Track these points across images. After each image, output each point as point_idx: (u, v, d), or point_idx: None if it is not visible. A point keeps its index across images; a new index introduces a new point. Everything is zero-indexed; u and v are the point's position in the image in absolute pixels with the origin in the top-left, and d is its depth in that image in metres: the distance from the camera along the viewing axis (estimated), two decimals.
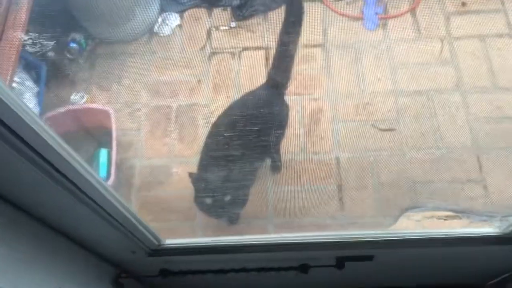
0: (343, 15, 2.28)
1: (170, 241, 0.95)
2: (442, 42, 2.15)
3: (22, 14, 1.66)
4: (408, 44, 2.17)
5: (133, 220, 0.81)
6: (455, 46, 2.13)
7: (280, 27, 1.54)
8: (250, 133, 1.60)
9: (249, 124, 1.60)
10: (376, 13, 2.25)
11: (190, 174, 1.43)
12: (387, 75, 2.09)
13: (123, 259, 0.94)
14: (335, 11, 2.30)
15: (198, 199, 1.45)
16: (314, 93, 2.08)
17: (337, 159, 1.91)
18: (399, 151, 1.90)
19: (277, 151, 1.86)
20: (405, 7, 2.27)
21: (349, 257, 0.98)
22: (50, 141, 0.60)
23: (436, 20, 2.23)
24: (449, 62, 2.09)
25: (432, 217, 1.72)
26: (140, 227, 0.84)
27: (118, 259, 0.94)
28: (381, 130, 1.96)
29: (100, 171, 1.86)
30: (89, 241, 0.83)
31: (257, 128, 1.61)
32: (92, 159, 1.91)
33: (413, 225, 1.68)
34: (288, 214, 1.85)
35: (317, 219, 1.81)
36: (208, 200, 1.42)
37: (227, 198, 1.42)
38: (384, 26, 2.23)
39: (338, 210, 1.82)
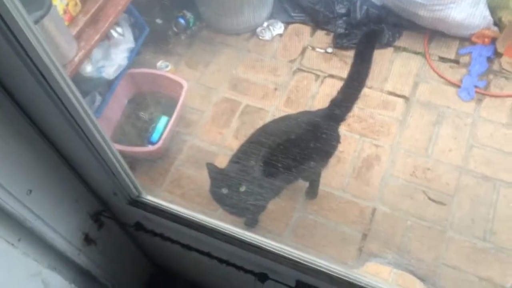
0: (440, 76, 2.20)
1: (150, 197, 1.00)
2: None
3: None
4: (496, 127, 2.02)
5: (116, 163, 0.87)
6: None
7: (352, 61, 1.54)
8: (293, 149, 1.60)
9: (295, 140, 1.61)
10: (475, 86, 2.13)
11: (208, 164, 1.47)
12: (460, 149, 1.97)
13: (105, 198, 1.01)
14: (434, 70, 2.22)
15: (213, 189, 1.49)
16: (379, 140, 2.02)
17: (374, 209, 1.84)
18: (440, 227, 1.78)
19: (317, 179, 1.84)
20: (509, 91, 2.12)
21: (309, 285, 0.95)
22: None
23: None
24: None
25: None
26: (122, 172, 0.90)
27: (101, 196, 1.01)
28: (430, 199, 1.84)
29: (154, 134, 1.99)
30: (76, 165, 0.90)
31: (301, 147, 1.62)
32: (152, 121, 2.04)
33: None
34: (303, 242, 1.81)
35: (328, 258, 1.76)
36: (224, 190, 1.45)
37: (242, 189, 1.43)
38: (479, 101, 2.10)
39: (354, 257, 1.75)
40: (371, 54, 1.47)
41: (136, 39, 2.12)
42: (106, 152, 0.86)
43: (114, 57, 1.95)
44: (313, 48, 2.37)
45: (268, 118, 2.12)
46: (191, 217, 1.00)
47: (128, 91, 2.09)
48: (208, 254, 1.04)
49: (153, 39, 2.27)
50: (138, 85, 2.09)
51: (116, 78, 1.97)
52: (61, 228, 0.96)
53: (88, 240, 1.06)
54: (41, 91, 0.74)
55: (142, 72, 2.08)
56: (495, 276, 1.67)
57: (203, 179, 1.94)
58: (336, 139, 1.69)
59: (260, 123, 2.10)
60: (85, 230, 1.05)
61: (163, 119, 2.02)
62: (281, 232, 1.84)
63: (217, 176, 1.48)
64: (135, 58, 2.10)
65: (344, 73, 2.29)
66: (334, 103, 1.62)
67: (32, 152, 0.82)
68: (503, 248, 1.72)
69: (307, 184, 1.88)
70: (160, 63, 2.19)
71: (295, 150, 1.60)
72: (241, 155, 1.61)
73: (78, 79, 1.78)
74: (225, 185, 1.45)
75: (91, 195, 1.01)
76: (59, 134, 0.82)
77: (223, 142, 2.06)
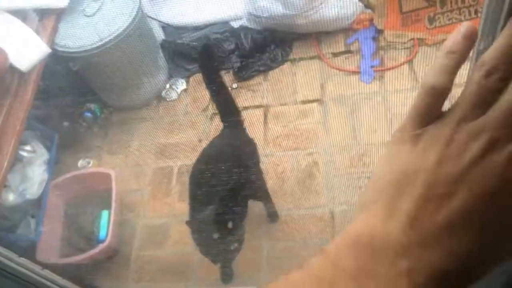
0: (340, 69, 2.33)
1: None
2: None
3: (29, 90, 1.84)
4: (404, 94, 2.16)
5: None
6: (456, 95, 2.10)
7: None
8: (223, 175, 1.60)
9: (221, 167, 1.62)
10: (372, 66, 2.28)
11: (187, 222, 1.46)
12: (383, 126, 2.08)
13: None
14: (332, 67, 2.35)
15: (198, 242, 1.48)
16: (310, 148, 2.10)
17: (331, 213, 1.89)
18: None
19: (266, 195, 1.83)
20: (401, 58, 2.28)
21: None
22: None
23: None
24: None
25: None
26: None
27: None
28: None
29: (101, 232, 1.95)
30: None
31: (229, 169, 1.62)
32: (95, 220, 2.01)
33: None
34: (283, 270, 1.82)
35: None
36: (214, 235, 1.44)
37: (230, 225, 1.43)
38: (381, 78, 2.24)
39: None
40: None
41: (49, 149, 2.10)
42: None
43: (32, 176, 1.92)
44: None
45: None
46: None
47: (59, 201, 2.05)
48: None
49: (66, 141, 2.25)
50: (68, 192, 2.06)
51: (43, 194, 1.93)
52: None
53: None
54: None
55: (67, 178, 2.05)
56: None
57: (164, 254, 1.93)
58: (250, 142, 1.69)
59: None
60: None
61: (105, 214, 1.99)
62: (258, 270, 1.84)
63: (195, 225, 1.47)
64: (55, 167, 2.07)
65: (256, 101, 2.38)
66: (222, 117, 1.67)
67: None
68: None
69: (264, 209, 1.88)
70: (80, 162, 2.17)
71: (227, 174, 1.61)
72: (193, 206, 1.60)
73: (3, 212, 1.73)
74: (206, 234, 1.45)
75: None
76: None
77: (171, 211, 2.06)
